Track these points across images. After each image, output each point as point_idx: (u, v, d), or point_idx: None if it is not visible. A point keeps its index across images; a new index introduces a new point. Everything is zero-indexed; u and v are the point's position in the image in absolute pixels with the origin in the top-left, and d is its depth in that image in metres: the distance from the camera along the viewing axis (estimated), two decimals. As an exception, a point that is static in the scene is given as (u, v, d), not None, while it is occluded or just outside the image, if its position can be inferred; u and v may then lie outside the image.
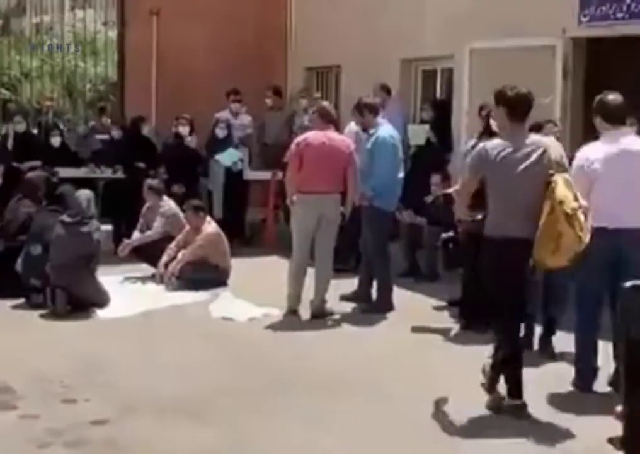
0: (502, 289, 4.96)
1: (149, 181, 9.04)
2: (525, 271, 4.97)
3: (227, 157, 10.36)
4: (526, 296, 5.11)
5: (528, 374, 5.07)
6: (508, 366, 4.98)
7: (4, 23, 25.06)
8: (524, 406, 4.93)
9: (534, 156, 4.87)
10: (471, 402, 5.10)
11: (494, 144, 4.95)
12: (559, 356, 5.98)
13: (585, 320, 5.39)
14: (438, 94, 10.63)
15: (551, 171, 4.82)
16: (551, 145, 5.07)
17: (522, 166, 4.84)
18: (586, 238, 4.72)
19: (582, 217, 4.70)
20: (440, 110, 8.96)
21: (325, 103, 7.86)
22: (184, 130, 10.29)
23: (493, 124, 5.56)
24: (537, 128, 5.98)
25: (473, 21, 9.18)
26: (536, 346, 6.16)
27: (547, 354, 6.07)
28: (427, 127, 9.07)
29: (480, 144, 5.15)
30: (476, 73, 8.96)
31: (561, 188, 4.72)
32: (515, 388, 4.96)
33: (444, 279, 8.32)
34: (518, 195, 4.85)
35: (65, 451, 4.46)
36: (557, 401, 5.18)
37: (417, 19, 10.18)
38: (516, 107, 4.92)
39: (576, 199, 4.72)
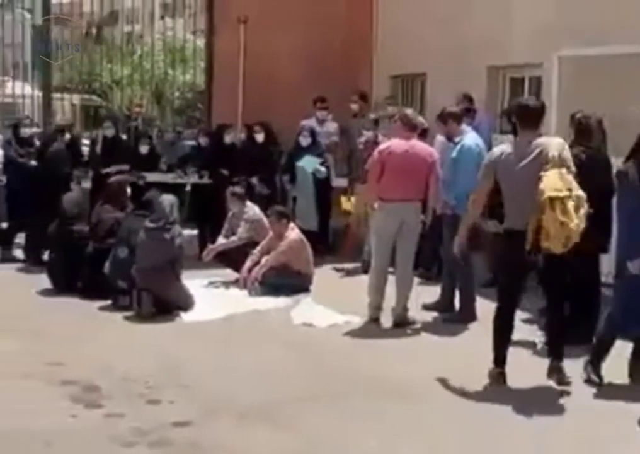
0: (505, 278, 5.76)
1: (231, 188, 9.14)
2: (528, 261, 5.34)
3: (306, 165, 10.39)
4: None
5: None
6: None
7: (97, 32, 25.77)
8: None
9: (531, 156, 5.40)
10: (552, 415, 5.01)
11: (501, 147, 5.69)
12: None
13: None
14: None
15: (546, 166, 5.24)
16: (551, 144, 5.38)
17: (520, 165, 5.42)
18: (572, 223, 5.04)
19: (570, 204, 5.08)
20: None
21: (409, 111, 7.73)
22: (259, 137, 10.38)
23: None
24: None
25: (562, 28, 9.01)
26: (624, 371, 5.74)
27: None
28: (512, 136, 8.95)
29: (495, 149, 5.78)
30: (565, 81, 8.79)
31: (550, 179, 5.14)
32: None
33: (531, 290, 8.08)
34: (517, 191, 5.43)
35: (148, 450, 4.55)
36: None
37: (505, 26, 10.04)
38: (523, 116, 5.58)
39: (568, 189, 5.12)
